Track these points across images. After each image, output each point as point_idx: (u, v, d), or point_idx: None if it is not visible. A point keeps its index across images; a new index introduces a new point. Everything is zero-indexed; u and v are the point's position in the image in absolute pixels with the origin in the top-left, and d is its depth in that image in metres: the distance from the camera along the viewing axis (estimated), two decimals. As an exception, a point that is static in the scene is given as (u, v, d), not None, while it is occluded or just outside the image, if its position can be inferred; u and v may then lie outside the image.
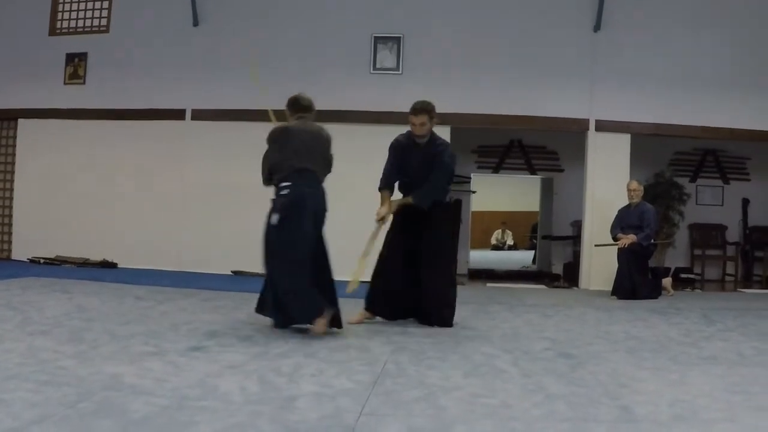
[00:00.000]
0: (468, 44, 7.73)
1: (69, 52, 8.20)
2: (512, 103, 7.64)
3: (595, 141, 7.68)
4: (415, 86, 7.25)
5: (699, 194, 9.65)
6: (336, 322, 4.05)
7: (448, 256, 4.51)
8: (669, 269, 8.53)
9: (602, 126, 7.65)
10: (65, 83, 8.20)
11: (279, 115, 4.40)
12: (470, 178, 9.81)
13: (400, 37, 7.76)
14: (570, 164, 9.49)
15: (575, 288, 7.78)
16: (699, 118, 7.59)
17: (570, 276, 8.59)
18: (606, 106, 7.63)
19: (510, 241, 17.87)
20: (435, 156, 4.47)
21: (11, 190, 8.35)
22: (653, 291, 6.81)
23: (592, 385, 2.91)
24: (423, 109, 4.43)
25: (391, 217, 4.52)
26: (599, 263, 7.41)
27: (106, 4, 8.24)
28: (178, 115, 7.95)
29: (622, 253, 6.77)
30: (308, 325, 3.91)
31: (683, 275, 8.56)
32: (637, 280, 6.70)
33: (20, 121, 8.32)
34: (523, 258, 13.53)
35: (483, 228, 16.52)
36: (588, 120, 7.67)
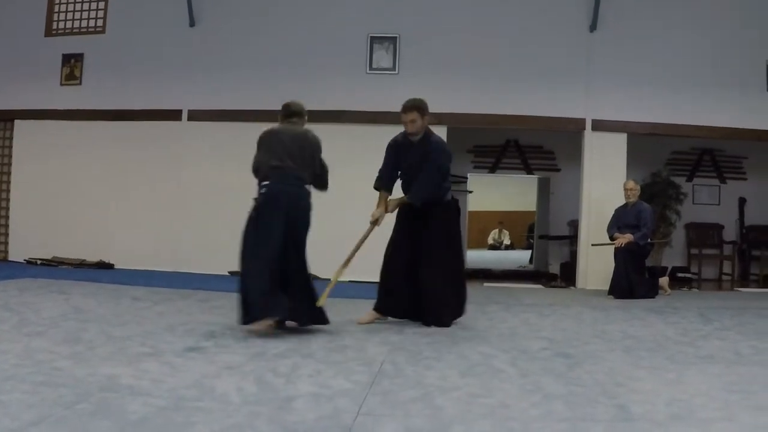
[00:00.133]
0: (464, 44, 7.73)
1: (65, 53, 8.18)
2: (508, 102, 7.64)
3: (591, 140, 7.69)
4: (411, 86, 7.15)
5: (696, 193, 9.65)
6: (319, 318, 4.07)
7: (447, 256, 4.50)
8: (666, 268, 8.52)
9: (599, 125, 7.66)
10: (62, 84, 8.18)
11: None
12: (467, 177, 9.81)
13: (396, 37, 7.77)
14: (567, 164, 9.48)
15: (572, 287, 7.78)
16: (696, 117, 7.60)
17: (567, 275, 8.59)
18: (602, 106, 7.64)
19: (507, 241, 17.86)
20: (428, 153, 4.49)
21: (8, 191, 8.32)
22: (650, 290, 6.82)
23: (590, 384, 2.92)
24: (413, 106, 4.45)
25: (387, 218, 4.53)
26: (596, 263, 7.41)
27: (102, 5, 8.22)
28: (174, 115, 7.94)
29: (619, 253, 6.77)
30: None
31: (680, 274, 8.55)
32: (634, 279, 6.70)
33: (17, 122, 8.30)
34: (520, 258, 13.50)
35: (480, 228, 16.50)
36: (584, 119, 7.68)
